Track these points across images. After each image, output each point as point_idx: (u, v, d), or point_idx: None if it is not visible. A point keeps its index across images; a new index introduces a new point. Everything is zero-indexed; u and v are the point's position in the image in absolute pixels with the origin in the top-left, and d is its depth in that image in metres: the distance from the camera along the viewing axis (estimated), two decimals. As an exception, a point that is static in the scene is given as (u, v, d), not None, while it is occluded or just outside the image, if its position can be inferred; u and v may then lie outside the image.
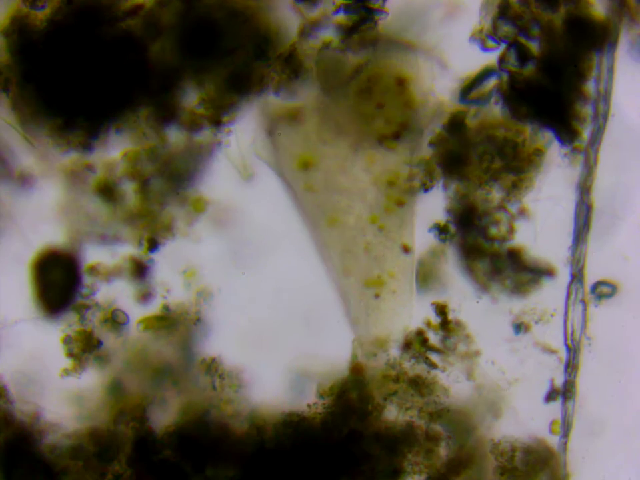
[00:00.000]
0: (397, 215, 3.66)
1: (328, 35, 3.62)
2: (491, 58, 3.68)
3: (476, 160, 3.66)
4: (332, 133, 3.61)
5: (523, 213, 3.69)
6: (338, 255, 3.69)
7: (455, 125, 3.66)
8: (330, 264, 3.70)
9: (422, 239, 3.72)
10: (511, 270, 3.70)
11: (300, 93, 3.62)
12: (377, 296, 3.68)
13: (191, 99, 3.62)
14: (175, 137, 3.65)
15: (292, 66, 3.60)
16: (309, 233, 3.70)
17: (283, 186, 3.69)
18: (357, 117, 3.60)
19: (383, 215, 3.65)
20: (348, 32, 3.61)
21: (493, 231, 3.69)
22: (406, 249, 3.68)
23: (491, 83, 3.67)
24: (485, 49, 3.66)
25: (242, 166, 3.67)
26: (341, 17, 3.63)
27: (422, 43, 3.64)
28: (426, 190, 3.67)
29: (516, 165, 3.66)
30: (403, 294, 3.70)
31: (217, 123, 3.63)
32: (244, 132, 3.66)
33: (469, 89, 3.66)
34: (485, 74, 3.67)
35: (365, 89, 3.59)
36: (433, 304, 3.72)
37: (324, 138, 3.62)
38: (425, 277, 3.73)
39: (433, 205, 3.72)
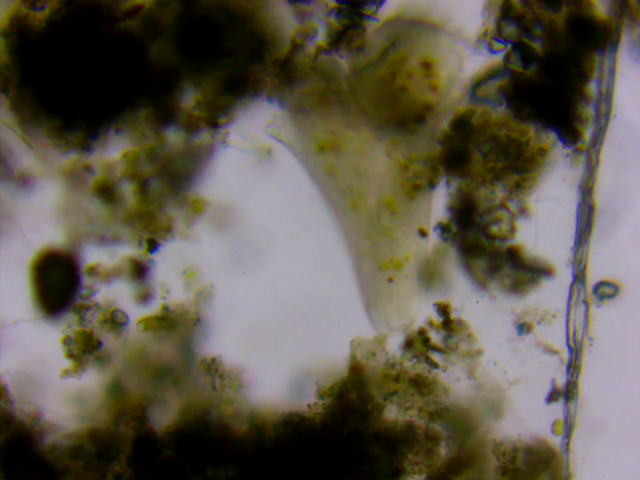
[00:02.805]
0: (414, 199, 3.66)
1: (322, 39, 3.63)
2: (498, 58, 3.67)
3: (480, 158, 3.64)
4: (356, 116, 3.61)
5: (524, 212, 3.68)
6: (356, 237, 3.69)
7: (461, 123, 3.65)
8: (349, 247, 3.70)
9: (415, 249, 3.72)
10: (510, 268, 3.69)
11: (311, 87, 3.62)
12: (390, 280, 3.68)
13: (190, 100, 3.62)
14: (174, 137, 3.64)
15: (286, 72, 3.59)
16: (330, 216, 3.70)
17: (299, 171, 3.69)
18: (381, 100, 3.59)
19: (401, 198, 3.65)
20: (337, 36, 3.60)
21: (494, 229, 3.68)
22: (422, 233, 3.68)
23: (498, 82, 3.66)
24: (492, 51, 3.64)
25: (256, 147, 3.66)
26: (332, 20, 3.62)
27: (447, 25, 3.63)
28: (432, 187, 3.67)
29: (520, 165, 3.64)
30: (415, 278, 3.71)
31: (213, 124, 3.63)
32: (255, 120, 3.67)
33: (476, 88, 3.65)
34: (493, 74, 3.65)
35: (390, 72, 3.58)
36: (435, 303, 3.72)
37: (348, 121, 3.61)
38: (429, 275, 3.73)
39: (437, 204, 3.71)
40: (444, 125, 3.66)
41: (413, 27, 3.63)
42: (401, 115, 3.59)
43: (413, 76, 3.58)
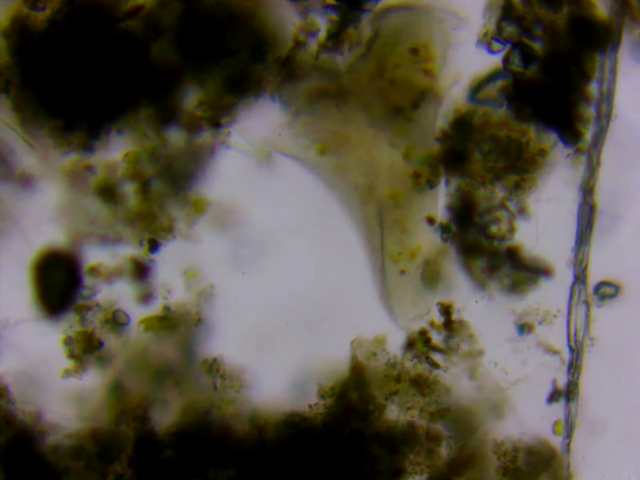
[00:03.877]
0: (419, 188, 3.65)
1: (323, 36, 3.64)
2: (497, 59, 3.67)
3: (480, 158, 3.65)
4: (357, 111, 3.60)
5: (523, 212, 3.69)
6: (367, 231, 3.69)
7: (461, 123, 3.65)
8: (361, 241, 3.70)
9: (426, 239, 3.72)
10: (509, 268, 3.69)
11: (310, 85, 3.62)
12: (402, 272, 3.68)
13: (192, 100, 3.62)
14: (176, 137, 3.64)
15: (288, 70, 3.59)
16: (332, 213, 3.70)
17: (300, 168, 3.69)
18: (375, 94, 3.59)
19: (407, 189, 3.64)
20: (334, 32, 3.61)
21: (493, 229, 3.68)
22: (431, 221, 3.68)
23: (499, 83, 3.66)
24: (492, 51, 3.64)
25: (256, 150, 3.66)
26: (332, 17, 3.63)
27: (432, 3, 3.63)
28: (432, 187, 3.67)
29: (520, 165, 3.64)
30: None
31: (215, 124, 3.63)
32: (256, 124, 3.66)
33: (478, 90, 3.65)
34: (494, 75, 3.66)
35: (377, 66, 3.58)
36: (437, 303, 3.72)
37: (349, 116, 3.61)
38: (430, 276, 3.73)
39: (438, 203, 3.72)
40: (444, 119, 3.66)
41: (394, 15, 3.62)
42: (396, 104, 3.58)
43: (401, 65, 3.57)
